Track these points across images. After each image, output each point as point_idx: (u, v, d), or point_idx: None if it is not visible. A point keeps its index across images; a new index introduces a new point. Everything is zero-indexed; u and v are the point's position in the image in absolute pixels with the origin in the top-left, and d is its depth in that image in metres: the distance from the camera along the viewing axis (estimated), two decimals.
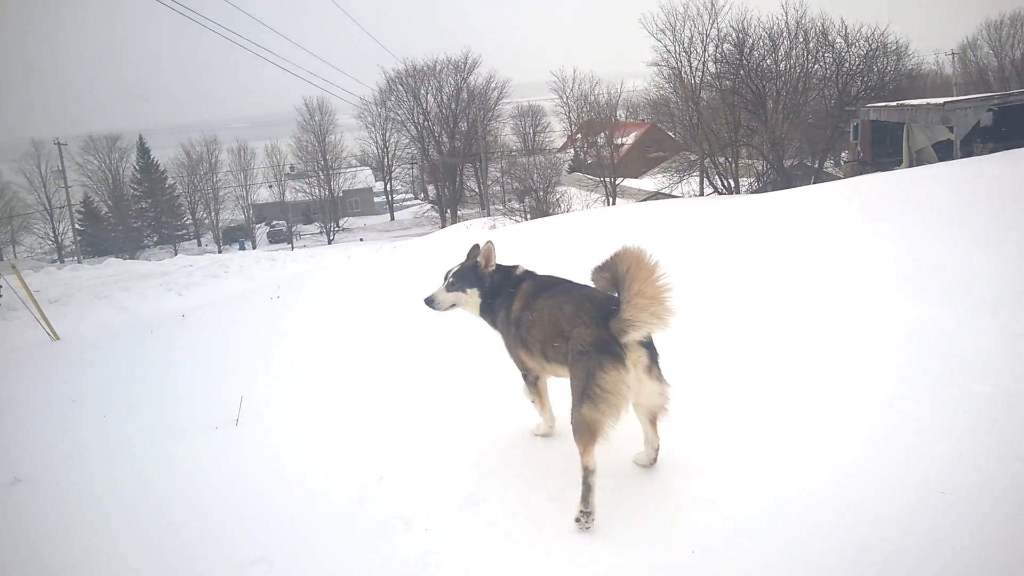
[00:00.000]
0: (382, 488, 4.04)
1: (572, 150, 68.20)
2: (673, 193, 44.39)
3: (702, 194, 43.62)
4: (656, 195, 45.47)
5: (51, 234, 66.63)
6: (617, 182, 52.60)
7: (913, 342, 5.13)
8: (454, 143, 62.98)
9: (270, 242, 65.97)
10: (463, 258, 4.47)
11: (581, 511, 3.41)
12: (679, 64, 45.21)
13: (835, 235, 9.13)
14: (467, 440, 4.52)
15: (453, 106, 63.36)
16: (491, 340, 4.51)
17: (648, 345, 3.58)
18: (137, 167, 72.11)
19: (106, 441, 5.62)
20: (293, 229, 66.92)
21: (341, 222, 69.36)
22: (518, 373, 4.33)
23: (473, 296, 4.32)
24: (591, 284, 3.84)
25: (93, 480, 4.83)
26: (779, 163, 40.59)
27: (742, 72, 42.38)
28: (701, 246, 9.94)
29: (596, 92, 67.62)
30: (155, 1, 19.51)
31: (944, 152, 27.03)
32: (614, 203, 48.64)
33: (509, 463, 4.13)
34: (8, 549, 4.05)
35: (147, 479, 4.71)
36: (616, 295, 3.53)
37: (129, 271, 22.90)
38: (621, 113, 64.63)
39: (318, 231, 68.57)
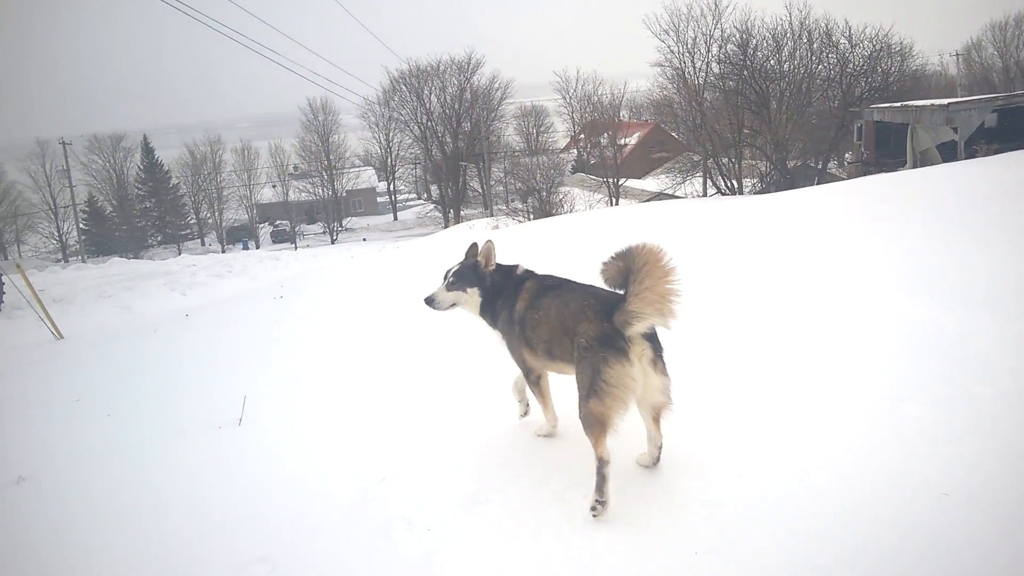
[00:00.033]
0: (384, 488, 4.04)
1: (575, 150, 68.21)
2: (676, 194, 44.32)
3: (705, 195, 43.56)
4: (659, 196, 45.40)
5: (56, 233, 66.85)
6: (620, 183, 52.60)
7: (915, 343, 5.13)
8: (457, 143, 62.99)
9: (273, 242, 66.08)
10: (463, 257, 4.48)
11: (596, 500, 3.45)
12: (682, 64, 45.17)
13: (838, 236, 9.12)
14: (469, 440, 4.53)
15: (456, 106, 63.41)
16: (491, 340, 4.52)
17: (652, 339, 3.62)
18: (141, 167, 72.30)
19: (109, 440, 5.64)
20: (296, 229, 67.05)
21: (344, 222, 69.44)
22: (514, 371, 4.34)
23: (473, 295, 4.32)
24: (596, 280, 3.86)
25: (97, 479, 4.84)
26: (782, 164, 40.54)
27: (746, 73, 42.32)
28: (704, 247, 9.94)
29: (599, 92, 67.83)
30: (162, 3, 19.56)
31: (948, 153, 26.96)
32: (617, 204, 48.64)
33: (511, 463, 4.14)
34: (13, 548, 4.06)
35: (150, 479, 4.72)
36: (620, 292, 3.57)
37: (133, 270, 22.96)
38: (624, 113, 64.78)
39: (321, 231, 68.67)
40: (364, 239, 58.78)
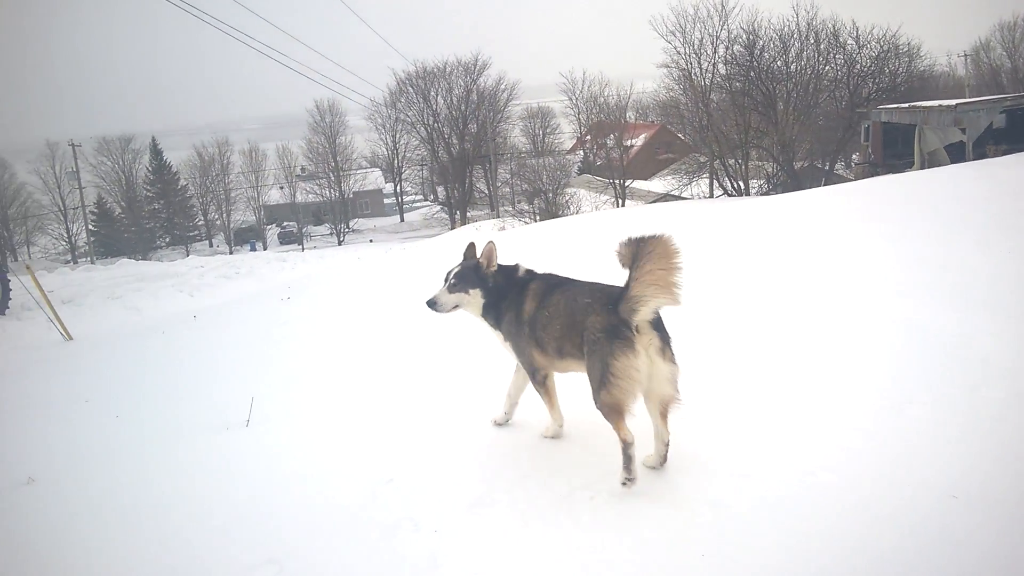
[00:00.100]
0: (391, 490, 4.06)
1: (581, 152, 68.15)
2: (683, 195, 44.27)
3: (712, 196, 43.49)
4: (665, 197, 45.35)
5: (65, 235, 67.11)
6: (626, 184, 52.53)
7: (917, 343, 5.13)
8: (464, 145, 63.01)
9: (281, 243, 66.22)
10: (463, 259, 4.51)
11: (625, 477, 3.64)
12: (689, 66, 45.13)
13: (845, 237, 9.11)
14: (476, 442, 4.54)
15: (463, 108, 63.41)
16: (493, 341, 4.55)
17: (659, 327, 3.69)
18: (150, 168, 72.56)
19: (118, 441, 5.67)
20: (304, 230, 67.12)
21: (351, 223, 69.58)
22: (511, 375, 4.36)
23: (476, 297, 4.34)
24: (602, 279, 3.94)
25: (105, 480, 4.87)
26: (789, 165, 40.44)
27: (752, 74, 42.25)
28: (710, 248, 9.93)
29: (606, 94, 67.65)
30: (170, 5, 19.65)
31: (957, 154, 26.85)
32: (623, 205, 48.58)
33: (518, 465, 4.15)
34: (24, 548, 4.09)
35: (157, 480, 4.74)
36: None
37: (142, 272, 23.03)
38: (631, 115, 64.58)
39: (328, 232, 68.77)
40: (371, 240, 58.84)
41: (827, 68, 43.58)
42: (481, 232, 31.24)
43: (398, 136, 69.56)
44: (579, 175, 60.84)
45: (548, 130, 74.99)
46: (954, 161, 24.90)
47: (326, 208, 70.32)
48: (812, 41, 42.84)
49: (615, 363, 3.59)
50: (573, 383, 4.58)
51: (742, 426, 4.27)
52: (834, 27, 42.71)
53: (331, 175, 71.25)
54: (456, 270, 4.41)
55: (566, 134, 76.33)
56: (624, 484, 3.65)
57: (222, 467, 4.81)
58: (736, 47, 43.69)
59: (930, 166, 26.39)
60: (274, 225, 71.93)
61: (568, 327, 3.91)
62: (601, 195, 50.57)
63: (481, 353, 5.81)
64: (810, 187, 29.60)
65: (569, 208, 45.43)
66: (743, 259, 8.98)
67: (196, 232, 73.32)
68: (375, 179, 76.64)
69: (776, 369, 5.11)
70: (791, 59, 43.08)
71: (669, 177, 49.22)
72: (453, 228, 53.83)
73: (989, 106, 27.69)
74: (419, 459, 4.42)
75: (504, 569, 3.24)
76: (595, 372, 3.69)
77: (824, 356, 5.24)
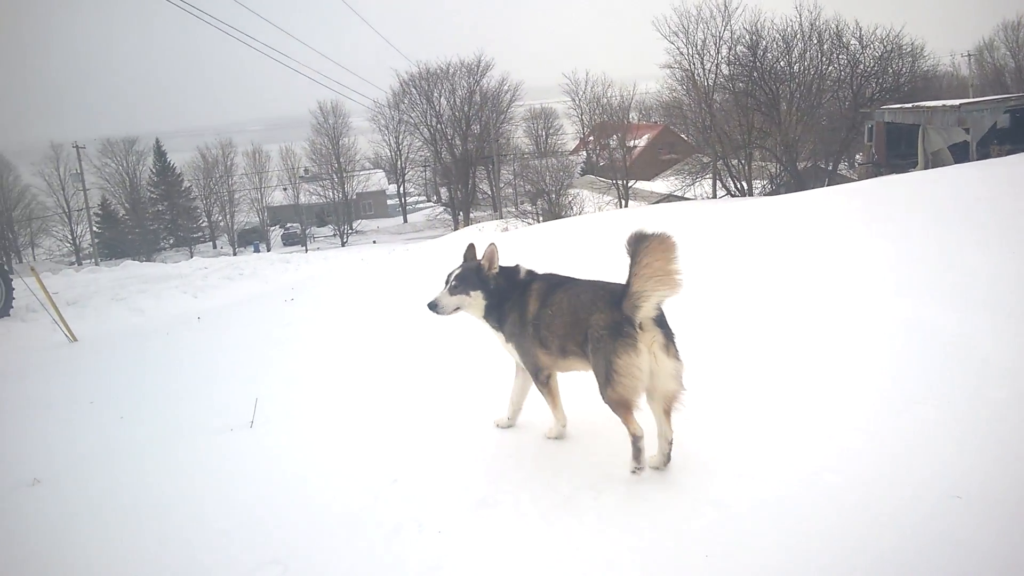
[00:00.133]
0: (396, 490, 4.06)
1: (584, 152, 68.17)
2: (686, 196, 44.26)
3: (715, 196, 43.49)
4: (669, 197, 45.35)
5: (69, 236, 67.35)
6: (629, 184, 52.53)
7: (923, 345, 5.13)
8: (467, 146, 63.06)
9: (284, 244, 66.31)
10: (465, 260, 4.52)
11: (635, 466, 3.80)
12: (692, 66, 45.15)
13: (848, 238, 9.11)
14: (480, 442, 4.55)
15: (466, 109, 63.51)
16: (495, 342, 4.56)
17: (662, 324, 3.73)
18: (154, 170, 72.79)
19: (122, 443, 5.67)
20: (307, 231, 67.26)
21: (354, 224, 69.66)
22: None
23: (477, 299, 4.34)
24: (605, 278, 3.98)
25: (108, 481, 4.87)
26: (792, 165, 40.43)
27: (755, 74, 42.25)
28: (714, 248, 9.93)
29: (608, 94, 67.86)
30: (172, 5, 19.70)
31: (960, 154, 26.83)
32: (626, 205, 48.58)
33: (521, 465, 4.16)
34: (27, 548, 4.09)
35: (162, 480, 4.74)
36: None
37: (146, 273, 23.03)
38: (634, 115, 64.67)
39: (332, 233, 68.89)
40: (374, 241, 58.89)
41: (830, 68, 43.59)
42: (484, 233, 31.24)
43: (401, 137, 69.68)
44: (582, 176, 60.85)
45: (551, 131, 75.02)
46: (958, 161, 24.88)
47: (329, 209, 70.46)
48: (815, 41, 42.86)
49: (618, 361, 3.65)
50: (576, 384, 4.59)
51: (745, 427, 4.27)
52: (837, 27, 42.76)
53: (334, 176, 71.37)
54: (457, 272, 4.41)
55: (569, 135, 76.43)
56: (633, 472, 3.79)
57: (225, 468, 4.82)
58: (739, 47, 43.75)
59: (934, 166, 26.36)
60: (278, 226, 72.10)
61: (571, 325, 3.95)
62: (604, 196, 50.59)
63: (484, 354, 5.82)
64: (813, 187, 29.59)
65: (572, 209, 45.44)
66: (746, 259, 8.98)
67: (200, 234, 73.51)
68: (378, 180, 76.77)
69: (778, 369, 5.11)
70: (794, 59, 43.11)
71: (672, 178, 49.26)
72: (456, 229, 53.88)
73: (993, 106, 27.67)
74: (423, 460, 4.42)
75: (508, 570, 3.24)
76: (600, 369, 3.75)
77: (826, 356, 5.24)
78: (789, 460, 3.82)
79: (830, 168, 42.16)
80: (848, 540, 3.11)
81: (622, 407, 3.73)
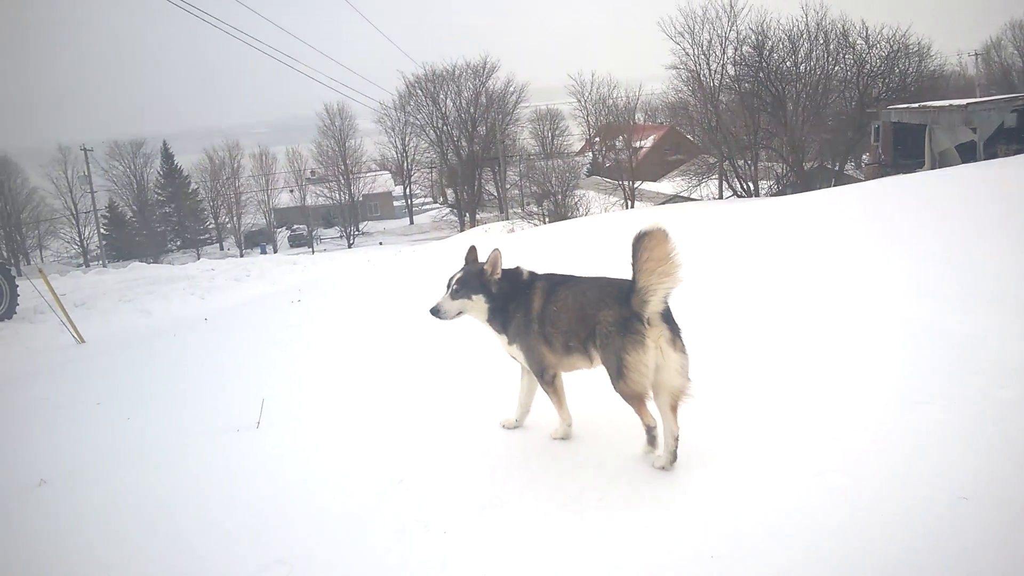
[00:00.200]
0: (401, 491, 4.06)
1: (590, 153, 68.12)
2: (692, 196, 44.20)
3: (721, 197, 43.41)
4: (675, 198, 45.29)
5: (77, 239, 67.67)
6: (635, 185, 52.45)
7: (931, 345, 5.10)
8: (473, 147, 63.09)
9: (291, 246, 66.46)
10: (464, 263, 4.53)
11: (649, 449, 4.01)
12: (698, 67, 44.96)
13: (854, 238, 9.09)
14: (485, 443, 4.54)
15: (472, 110, 63.55)
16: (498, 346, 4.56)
17: (669, 319, 3.79)
18: (161, 172, 73.14)
19: (128, 444, 5.68)
20: (313, 233, 67.45)
21: (361, 226, 69.81)
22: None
23: (479, 302, 4.34)
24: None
25: (115, 482, 4.88)
26: (799, 166, 40.31)
27: (761, 74, 42.14)
28: (720, 249, 9.92)
29: (614, 95, 67.74)
30: (179, 9, 19.78)
31: (967, 154, 26.75)
32: (632, 206, 48.52)
33: (527, 466, 4.15)
34: (33, 549, 4.10)
35: (168, 481, 4.75)
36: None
37: (153, 275, 23.13)
38: (639, 116, 64.59)
39: (338, 235, 69.03)
40: (380, 243, 58.98)
41: (837, 68, 43.43)
42: (490, 234, 31.26)
43: (407, 139, 69.86)
44: (588, 177, 60.77)
45: (557, 132, 75.00)
46: (965, 161, 24.80)
47: (336, 211, 70.62)
48: (821, 41, 42.72)
49: (627, 357, 3.72)
50: (581, 385, 4.59)
51: (751, 427, 4.26)
52: (843, 27, 42.61)
53: (341, 178, 71.58)
54: (459, 276, 4.40)
55: (575, 136, 76.40)
56: (647, 454, 4.00)
57: (231, 469, 4.82)
58: (745, 48, 43.55)
59: (941, 166, 26.29)
60: (284, 228, 72.26)
61: (577, 321, 3.99)
62: (610, 197, 50.51)
63: (490, 355, 5.82)
64: (820, 188, 29.52)
65: (578, 210, 45.42)
66: (753, 260, 8.96)
67: (207, 235, 73.79)
68: (384, 182, 76.93)
69: (785, 369, 5.10)
70: (800, 60, 42.94)
71: (678, 178, 49.06)
72: (462, 230, 53.95)
73: (1000, 106, 27.56)
74: (429, 461, 4.42)
75: (513, 571, 3.23)
76: (611, 364, 3.83)
77: (833, 356, 5.22)
78: (796, 460, 3.81)
79: (836, 168, 42.03)
80: (855, 541, 3.10)
81: (635, 400, 3.83)
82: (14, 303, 15.76)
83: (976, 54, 67.39)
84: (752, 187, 42.42)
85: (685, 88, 46.93)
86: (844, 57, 43.19)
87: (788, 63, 42.90)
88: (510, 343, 4.37)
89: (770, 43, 42.73)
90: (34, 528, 4.37)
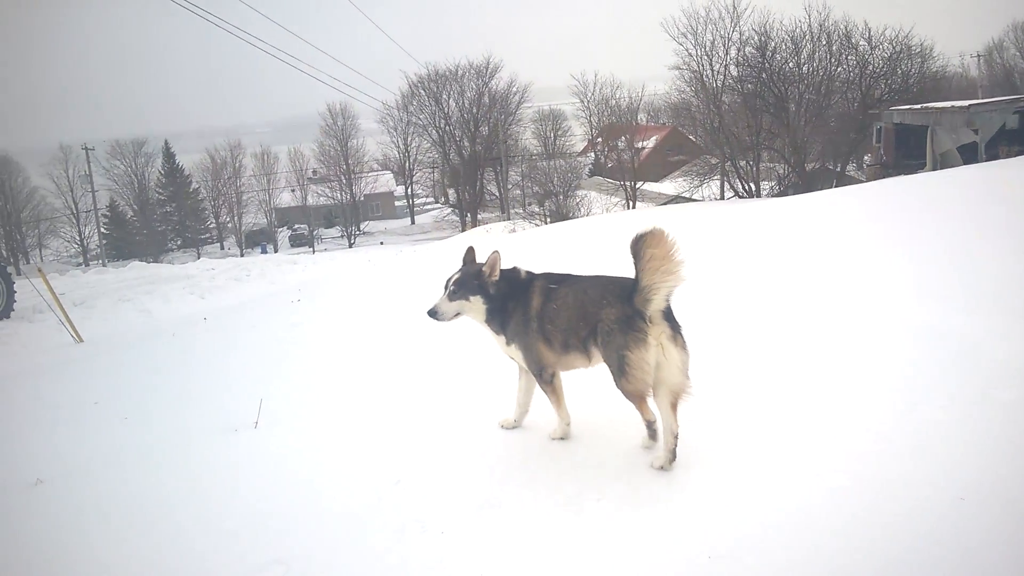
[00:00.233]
0: (399, 491, 4.05)
1: (592, 154, 68.10)
2: (694, 197, 44.20)
3: (723, 198, 43.40)
4: (677, 199, 45.28)
5: (77, 238, 67.72)
6: (637, 186, 52.44)
7: (929, 345, 5.09)
8: (475, 147, 63.08)
9: (292, 246, 66.47)
10: (465, 264, 4.52)
11: (650, 440, 4.08)
12: (700, 67, 44.95)
13: (855, 239, 9.07)
14: (484, 444, 4.53)
15: (474, 110, 63.50)
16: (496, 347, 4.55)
17: (670, 317, 3.81)
18: (162, 171, 73.18)
19: (126, 443, 5.67)
20: (315, 233, 67.46)
21: (362, 226, 69.85)
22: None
23: (477, 303, 4.33)
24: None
25: (113, 482, 4.87)
26: (801, 167, 40.30)
27: (764, 75, 42.14)
28: (722, 250, 9.90)
29: (617, 96, 67.58)
30: (181, 7, 19.79)
31: (969, 155, 26.70)
32: (634, 207, 48.50)
33: (525, 466, 4.14)
34: (30, 549, 4.10)
35: (166, 481, 4.74)
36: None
37: (153, 274, 23.13)
38: (642, 117, 64.56)
39: (339, 235, 69.04)
40: (382, 243, 59.00)
41: (839, 69, 43.42)
42: (492, 234, 31.28)
43: (410, 139, 69.80)
44: (590, 177, 60.76)
45: (559, 132, 74.95)
46: (966, 162, 24.77)
47: (337, 211, 70.67)
48: (824, 42, 42.71)
49: (629, 355, 3.74)
50: (579, 385, 4.57)
51: (752, 427, 4.25)
52: (846, 28, 42.62)
53: (342, 178, 71.60)
54: (456, 277, 4.39)
55: (577, 136, 76.32)
56: (646, 447, 4.07)
57: (229, 469, 4.81)
58: (748, 49, 43.58)
59: (942, 167, 26.25)
60: (285, 228, 72.30)
61: (578, 319, 3.99)
62: (612, 197, 50.50)
63: (489, 356, 5.80)
64: (821, 189, 29.51)
65: (580, 210, 45.39)
66: (754, 260, 8.95)
67: (208, 235, 73.83)
68: (386, 182, 76.98)
69: (786, 370, 5.08)
70: (803, 60, 42.95)
71: (680, 179, 49.09)
72: (464, 230, 53.94)
73: (1002, 107, 27.52)
74: (426, 461, 4.41)
75: (511, 570, 3.22)
76: (613, 362, 3.84)
77: (834, 357, 5.20)
78: (796, 460, 3.79)
79: (838, 169, 42.01)
80: (855, 541, 3.08)
81: (636, 397, 3.86)
82: (11, 302, 15.74)
83: (978, 55, 67.40)
84: (754, 188, 42.41)
85: (688, 89, 46.96)
86: (847, 58, 43.21)
87: (791, 64, 42.93)
88: (508, 343, 4.35)
89: (773, 44, 42.77)
90: (31, 528, 4.36)
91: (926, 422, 4.01)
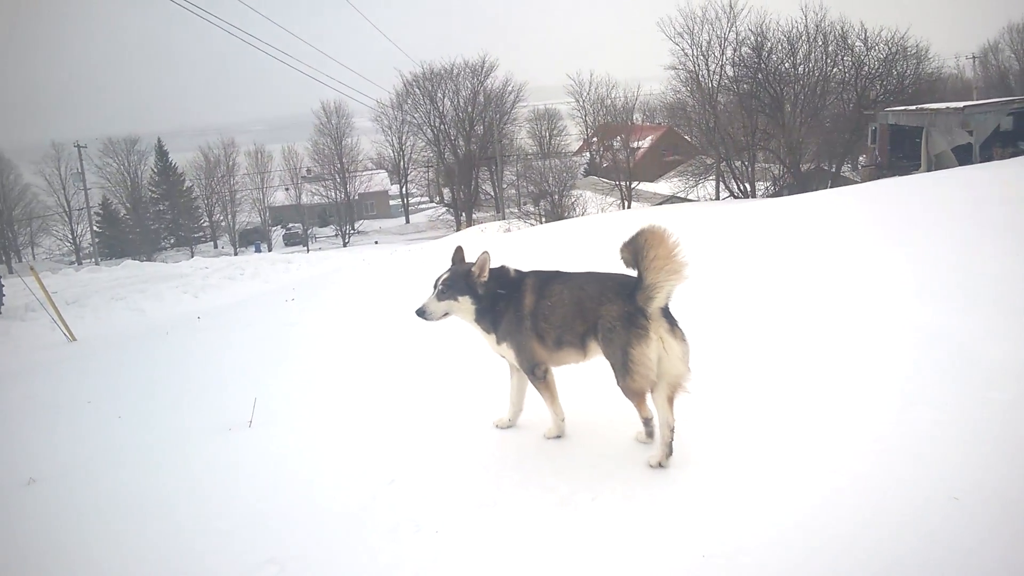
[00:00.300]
0: (393, 491, 4.04)
1: (588, 153, 68.15)
2: (689, 197, 44.25)
3: (718, 198, 43.46)
4: (672, 199, 45.33)
5: (70, 236, 67.43)
6: (632, 186, 52.49)
7: (927, 346, 5.09)
8: (470, 146, 63.02)
9: (286, 245, 66.32)
10: (454, 264, 4.50)
11: (646, 434, 4.14)
12: (696, 67, 45.01)
13: (851, 239, 9.08)
14: (478, 443, 4.52)
15: (469, 109, 63.39)
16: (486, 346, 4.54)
17: (667, 314, 3.84)
18: (155, 169, 72.94)
19: (120, 443, 5.65)
20: (309, 232, 67.29)
21: (356, 225, 69.68)
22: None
23: (466, 303, 4.31)
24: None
25: (106, 481, 4.85)
26: (796, 167, 40.40)
27: (760, 76, 42.23)
28: (717, 250, 9.90)
29: (613, 95, 67.75)
30: (178, 6, 19.70)
31: (964, 156, 26.81)
32: (629, 207, 48.55)
33: (519, 466, 4.13)
34: (22, 549, 4.08)
35: (160, 481, 4.72)
36: (634, 276, 3.81)
37: (146, 273, 23.08)
38: (637, 116, 64.62)
39: (333, 234, 68.90)
40: (376, 242, 58.90)
41: (835, 70, 43.56)
42: (486, 234, 31.25)
43: (404, 138, 69.57)
44: (585, 177, 60.82)
45: (554, 132, 74.96)
46: (961, 163, 24.86)
47: (331, 210, 70.54)
48: (820, 43, 42.83)
49: (632, 352, 3.74)
50: (573, 384, 4.55)
51: (747, 427, 4.24)
52: (842, 29, 42.74)
53: (337, 177, 71.42)
54: (444, 277, 4.38)
55: (572, 136, 76.37)
56: (641, 442, 4.13)
57: (224, 468, 4.80)
58: (744, 49, 43.66)
59: (937, 168, 26.32)
60: (279, 226, 72.16)
61: (575, 316, 4.00)
62: (607, 197, 50.57)
63: (483, 355, 5.78)
64: (817, 189, 29.56)
65: (575, 210, 45.46)
66: (751, 261, 8.95)
67: (201, 233, 73.61)
68: (381, 181, 76.85)
69: (783, 371, 5.08)
70: (799, 61, 43.07)
71: (675, 179, 49.12)
72: (459, 230, 53.93)
73: (996, 108, 27.67)
74: (421, 460, 4.39)
75: (505, 570, 3.21)
76: (615, 359, 3.84)
77: (832, 357, 5.20)
78: (792, 460, 3.79)
79: (833, 170, 42.12)
80: (851, 541, 3.07)
81: (636, 395, 3.89)
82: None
83: (974, 57, 67.65)
84: (749, 188, 42.48)
85: (684, 89, 46.99)
86: (842, 59, 43.35)
87: (787, 64, 43.05)
88: (499, 342, 4.34)
89: (769, 44, 42.89)
90: (24, 527, 4.34)
91: (924, 422, 4.01)
